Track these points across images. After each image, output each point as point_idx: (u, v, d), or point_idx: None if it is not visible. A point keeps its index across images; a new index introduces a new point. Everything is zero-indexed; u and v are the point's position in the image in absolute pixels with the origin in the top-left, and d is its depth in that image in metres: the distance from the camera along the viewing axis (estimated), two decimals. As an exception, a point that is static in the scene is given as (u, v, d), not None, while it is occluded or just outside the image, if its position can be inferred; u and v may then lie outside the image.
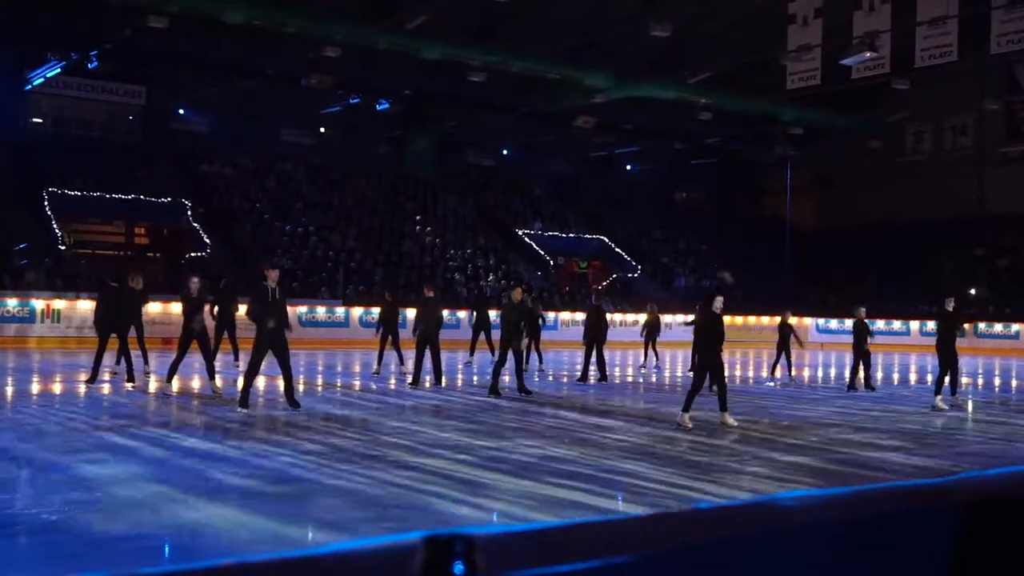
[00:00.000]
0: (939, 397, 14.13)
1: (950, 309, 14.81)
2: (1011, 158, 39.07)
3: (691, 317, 13.89)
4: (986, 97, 35.97)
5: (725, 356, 13.17)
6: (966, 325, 14.70)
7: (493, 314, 20.22)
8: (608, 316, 18.47)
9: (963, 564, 1.39)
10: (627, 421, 11.81)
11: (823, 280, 38.19)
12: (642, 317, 22.90)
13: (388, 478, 7.58)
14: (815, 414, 13.23)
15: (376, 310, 24.38)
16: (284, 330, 11.76)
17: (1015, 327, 32.28)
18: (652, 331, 20.82)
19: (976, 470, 1.71)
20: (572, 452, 9.13)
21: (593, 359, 17.34)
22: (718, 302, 11.43)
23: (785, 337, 19.06)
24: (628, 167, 45.86)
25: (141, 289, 15.64)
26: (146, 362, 15.67)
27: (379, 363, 18.00)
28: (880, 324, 32.37)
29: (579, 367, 18.01)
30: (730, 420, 11.34)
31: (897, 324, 34.25)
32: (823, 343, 33.92)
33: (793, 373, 19.35)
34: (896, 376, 22.15)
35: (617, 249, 38.41)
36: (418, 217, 35.60)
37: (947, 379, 14.32)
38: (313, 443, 9.29)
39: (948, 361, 14.31)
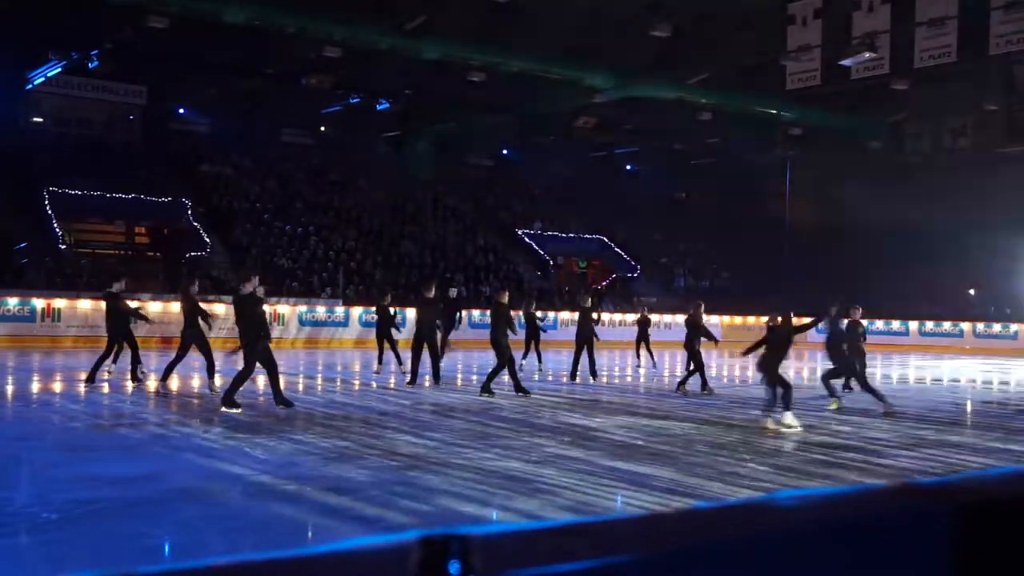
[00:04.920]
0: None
1: (856, 318, 15.12)
2: (1010, 158, 39.07)
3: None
4: (985, 98, 35.97)
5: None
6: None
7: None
8: (596, 315, 18.57)
9: (962, 564, 1.39)
10: (624, 421, 11.81)
11: (822, 281, 38.16)
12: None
13: (386, 477, 7.58)
14: (813, 413, 13.22)
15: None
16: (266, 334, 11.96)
17: (1013, 327, 32.29)
18: (643, 331, 20.84)
19: (974, 470, 1.71)
20: (569, 451, 9.13)
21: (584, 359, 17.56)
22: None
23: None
24: (628, 167, 45.87)
25: (123, 291, 15.69)
26: (139, 361, 15.64)
27: (379, 362, 18.07)
28: (879, 324, 32.36)
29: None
30: (789, 421, 11.13)
31: (896, 324, 34.27)
32: (823, 343, 33.86)
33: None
34: (895, 376, 22.16)
35: (617, 249, 38.41)
36: (418, 216, 35.63)
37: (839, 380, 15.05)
38: (313, 442, 9.29)
39: (845, 365, 14.60)
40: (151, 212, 30.68)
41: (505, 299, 15.06)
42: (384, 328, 18.06)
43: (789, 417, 11.16)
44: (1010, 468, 1.67)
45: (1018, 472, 1.59)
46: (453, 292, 20.71)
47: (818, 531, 1.33)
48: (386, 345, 17.98)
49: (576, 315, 19.51)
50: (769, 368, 11.48)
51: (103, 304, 15.21)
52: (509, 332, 14.59)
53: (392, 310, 18.63)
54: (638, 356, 21.10)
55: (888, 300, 34.70)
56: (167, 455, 8.46)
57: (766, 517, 1.35)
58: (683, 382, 15.98)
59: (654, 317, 23.76)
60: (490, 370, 14.70)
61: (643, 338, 20.81)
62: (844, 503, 1.45)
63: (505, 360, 14.42)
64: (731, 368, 22.48)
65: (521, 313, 18.67)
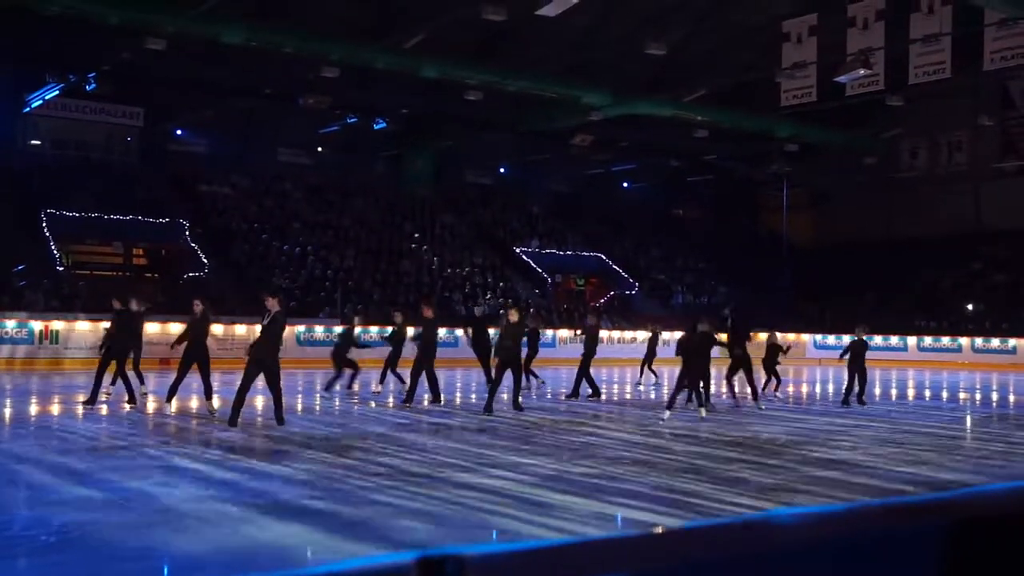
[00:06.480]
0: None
1: (860, 336, 17.21)
2: (1006, 173, 39.20)
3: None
4: (980, 113, 36.13)
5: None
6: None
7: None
8: (599, 333, 18.62)
9: (956, 580, 1.39)
10: (624, 438, 11.80)
11: (820, 296, 38.21)
12: (640, 334, 22.98)
13: (384, 497, 7.56)
14: (811, 430, 13.21)
15: (375, 329, 24.42)
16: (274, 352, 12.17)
17: (1012, 342, 32.26)
18: (652, 349, 20.86)
19: (971, 486, 1.72)
20: (569, 470, 9.11)
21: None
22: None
23: (772, 355, 18.84)
24: (625, 185, 45.96)
25: (142, 311, 15.79)
26: (142, 383, 15.66)
27: (380, 382, 18.05)
28: (877, 340, 32.35)
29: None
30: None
31: (895, 340, 34.25)
32: (820, 359, 33.87)
33: (775, 391, 18.93)
34: (894, 392, 22.15)
35: (615, 266, 38.43)
36: (416, 235, 35.67)
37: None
38: (310, 462, 9.27)
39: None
40: (149, 233, 30.69)
41: (515, 317, 15.07)
42: (396, 349, 17.96)
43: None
44: (1005, 484, 1.68)
45: (1013, 488, 1.60)
46: (478, 311, 20.47)
47: (813, 549, 1.34)
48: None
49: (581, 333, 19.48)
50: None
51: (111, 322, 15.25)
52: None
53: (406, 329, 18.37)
54: (641, 374, 21.09)
55: (886, 315, 34.70)
56: (165, 476, 8.43)
57: (762, 535, 1.36)
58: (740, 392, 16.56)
59: (666, 335, 23.79)
60: (488, 389, 14.69)
61: (651, 356, 20.84)
62: (839, 521, 1.45)
63: (501, 376, 14.43)
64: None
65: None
